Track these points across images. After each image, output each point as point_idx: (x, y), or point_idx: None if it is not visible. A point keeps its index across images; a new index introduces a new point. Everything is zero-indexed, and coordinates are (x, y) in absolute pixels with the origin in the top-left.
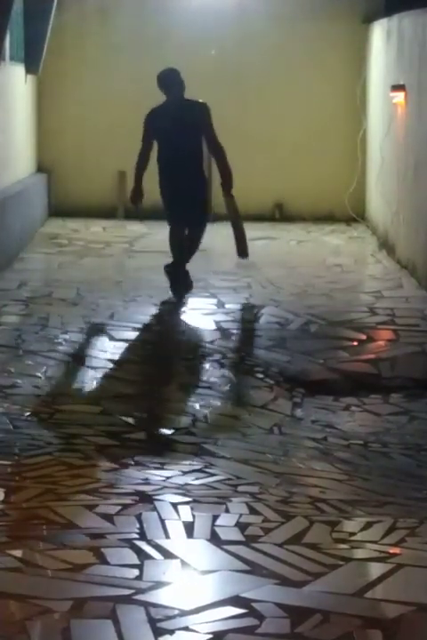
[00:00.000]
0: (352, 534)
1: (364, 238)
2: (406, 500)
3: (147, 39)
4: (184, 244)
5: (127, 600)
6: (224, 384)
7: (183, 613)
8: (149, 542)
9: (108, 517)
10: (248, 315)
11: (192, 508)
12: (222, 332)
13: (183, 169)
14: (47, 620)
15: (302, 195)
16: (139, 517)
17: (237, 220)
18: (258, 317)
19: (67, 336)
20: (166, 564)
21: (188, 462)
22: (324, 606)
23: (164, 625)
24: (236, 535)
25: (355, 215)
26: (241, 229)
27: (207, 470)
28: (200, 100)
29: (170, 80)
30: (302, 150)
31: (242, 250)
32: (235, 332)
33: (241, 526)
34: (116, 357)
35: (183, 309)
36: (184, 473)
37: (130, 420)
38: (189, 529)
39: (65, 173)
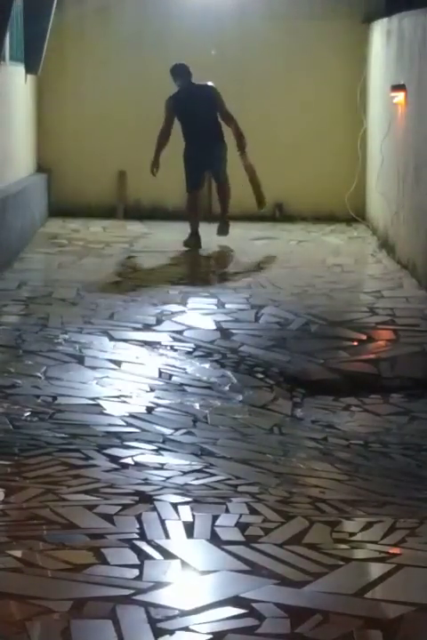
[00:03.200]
0: (352, 534)
1: (364, 238)
2: (407, 499)
3: (147, 39)
4: (201, 208)
5: (127, 600)
6: (224, 384)
7: (183, 613)
8: (149, 542)
9: (108, 517)
10: (248, 315)
11: (192, 508)
12: (222, 332)
13: (205, 138)
14: (47, 621)
15: (302, 195)
16: (139, 517)
17: (253, 175)
18: (258, 317)
19: (67, 336)
20: (166, 564)
21: (188, 462)
22: (324, 606)
23: (164, 625)
24: (236, 535)
25: (355, 215)
26: (257, 182)
27: (207, 470)
28: (208, 83)
29: (181, 70)
30: (302, 150)
31: (260, 201)
32: (235, 331)
33: (241, 526)
34: (116, 357)
35: (183, 309)
36: (184, 473)
37: (131, 419)
38: (189, 529)
39: (65, 173)
